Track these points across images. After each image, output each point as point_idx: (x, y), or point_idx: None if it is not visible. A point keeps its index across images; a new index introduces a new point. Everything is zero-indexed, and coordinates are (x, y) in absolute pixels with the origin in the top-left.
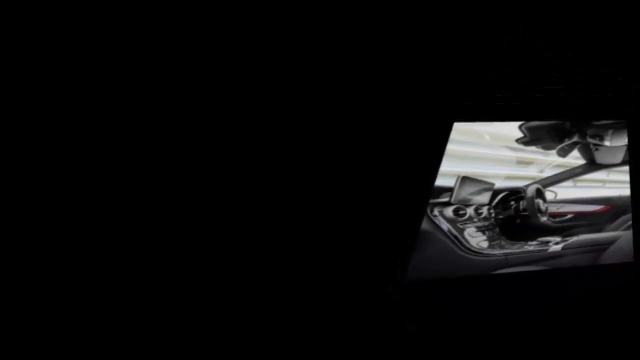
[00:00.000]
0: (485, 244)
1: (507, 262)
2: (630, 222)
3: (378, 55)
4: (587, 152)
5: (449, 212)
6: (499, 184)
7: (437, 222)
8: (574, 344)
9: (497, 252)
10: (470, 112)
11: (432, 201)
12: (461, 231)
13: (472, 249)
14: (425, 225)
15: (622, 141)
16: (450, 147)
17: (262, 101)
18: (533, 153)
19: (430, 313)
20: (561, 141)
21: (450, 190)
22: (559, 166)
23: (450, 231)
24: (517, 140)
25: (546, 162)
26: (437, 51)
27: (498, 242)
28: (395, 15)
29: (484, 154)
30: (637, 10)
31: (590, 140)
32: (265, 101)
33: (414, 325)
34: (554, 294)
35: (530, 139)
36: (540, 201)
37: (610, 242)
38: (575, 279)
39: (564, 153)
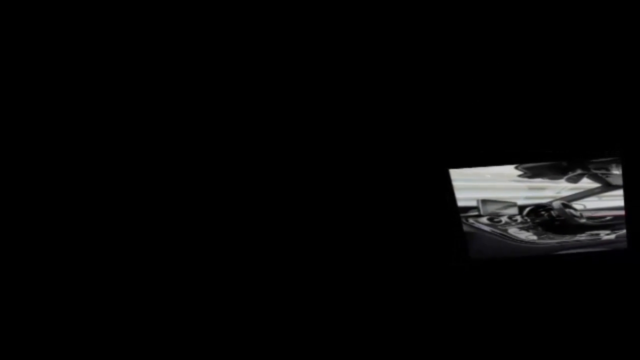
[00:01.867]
0: (534, 237)
1: (562, 247)
2: None
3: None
4: (598, 179)
5: (484, 219)
6: (521, 202)
7: (476, 226)
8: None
9: (549, 241)
10: (461, 158)
11: (462, 215)
12: (504, 230)
13: (523, 240)
14: (466, 228)
15: None
16: (457, 184)
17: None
18: (541, 182)
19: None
20: (565, 174)
21: (475, 208)
22: (574, 188)
23: (493, 231)
24: (519, 176)
25: (559, 187)
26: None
27: (546, 235)
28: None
29: (493, 185)
30: (637, 10)
31: (596, 172)
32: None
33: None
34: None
35: (531, 175)
36: (571, 210)
37: None
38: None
39: (573, 181)
